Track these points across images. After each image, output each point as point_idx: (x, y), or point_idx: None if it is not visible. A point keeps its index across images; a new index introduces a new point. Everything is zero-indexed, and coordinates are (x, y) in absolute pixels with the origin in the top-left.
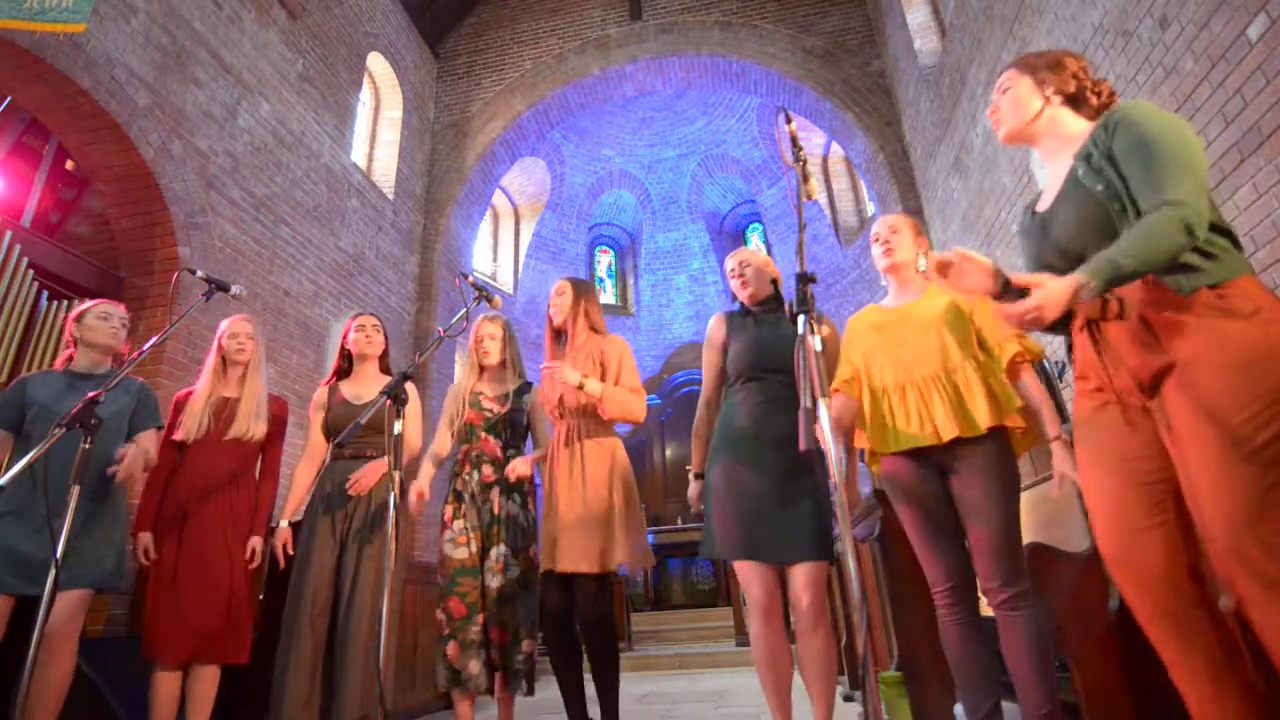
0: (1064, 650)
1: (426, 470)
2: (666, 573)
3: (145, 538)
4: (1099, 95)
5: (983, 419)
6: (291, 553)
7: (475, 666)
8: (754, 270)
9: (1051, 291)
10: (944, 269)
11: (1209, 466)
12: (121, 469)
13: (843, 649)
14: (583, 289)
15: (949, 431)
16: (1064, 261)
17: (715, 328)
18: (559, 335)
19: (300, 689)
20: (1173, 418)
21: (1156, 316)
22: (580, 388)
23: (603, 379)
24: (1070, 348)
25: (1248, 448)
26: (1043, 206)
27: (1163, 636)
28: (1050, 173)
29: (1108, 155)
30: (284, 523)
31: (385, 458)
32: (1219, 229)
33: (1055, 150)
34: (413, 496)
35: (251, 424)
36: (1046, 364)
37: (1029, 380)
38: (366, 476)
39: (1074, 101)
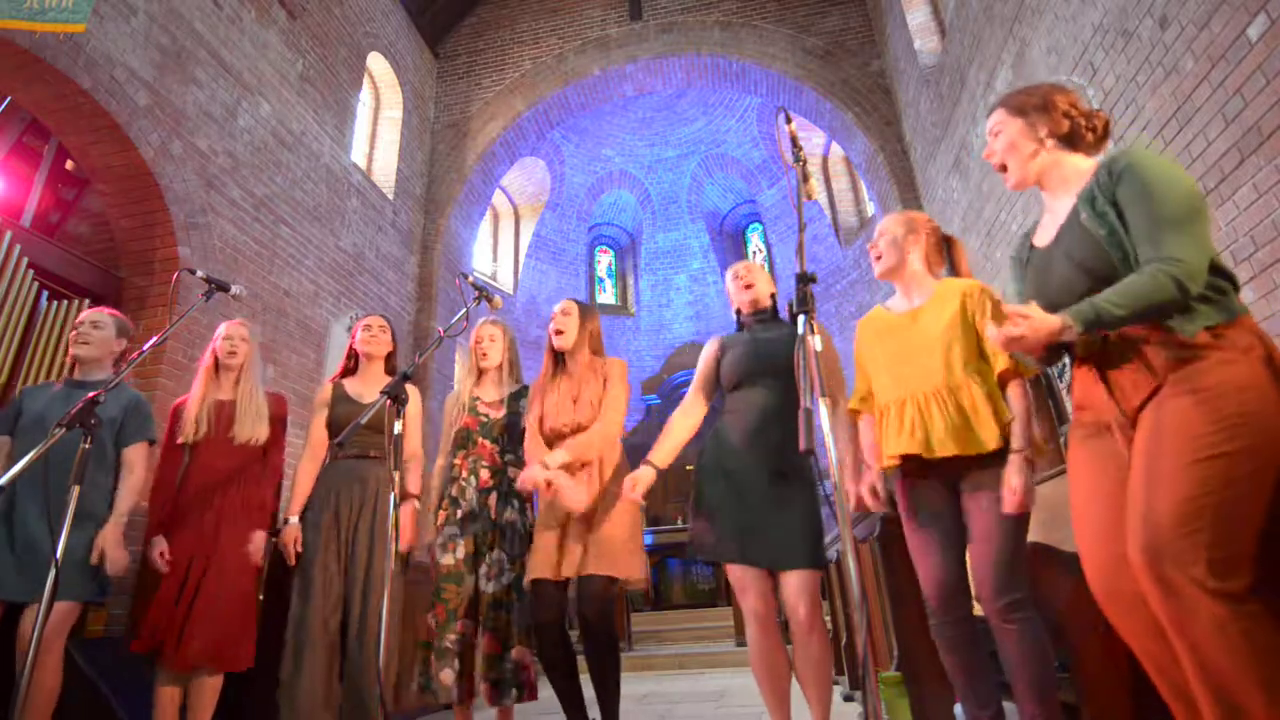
0: (1064, 650)
1: (434, 493)
2: (666, 573)
3: (160, 542)
4: (1094, 130)
5: (990, 440)
6: (300, 550)
7: (448, 676)
8: (761, 276)
9: (1037, 324)
10: (1010, 344)
11: (1150, 473)
12: (109, 565)
13: (843, 649)
14: (587, 313)
15: (944, 449)
16: (1064, 298)
17: (710, 345)
18: (557, 356)
19: (315, 690)
20: (1139, 428)
21: (1156, 354)
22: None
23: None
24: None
25: (1190, 458)
26: (1042, 241)
27: (1153, 663)
28: (1050, 208)
29: (1112, 201)
30: (292, 519)
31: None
32: (1220, 271)
33: (1056, 188)
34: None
35: (253, 427)
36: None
37: (1014, 393)
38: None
39: (1069, 140)
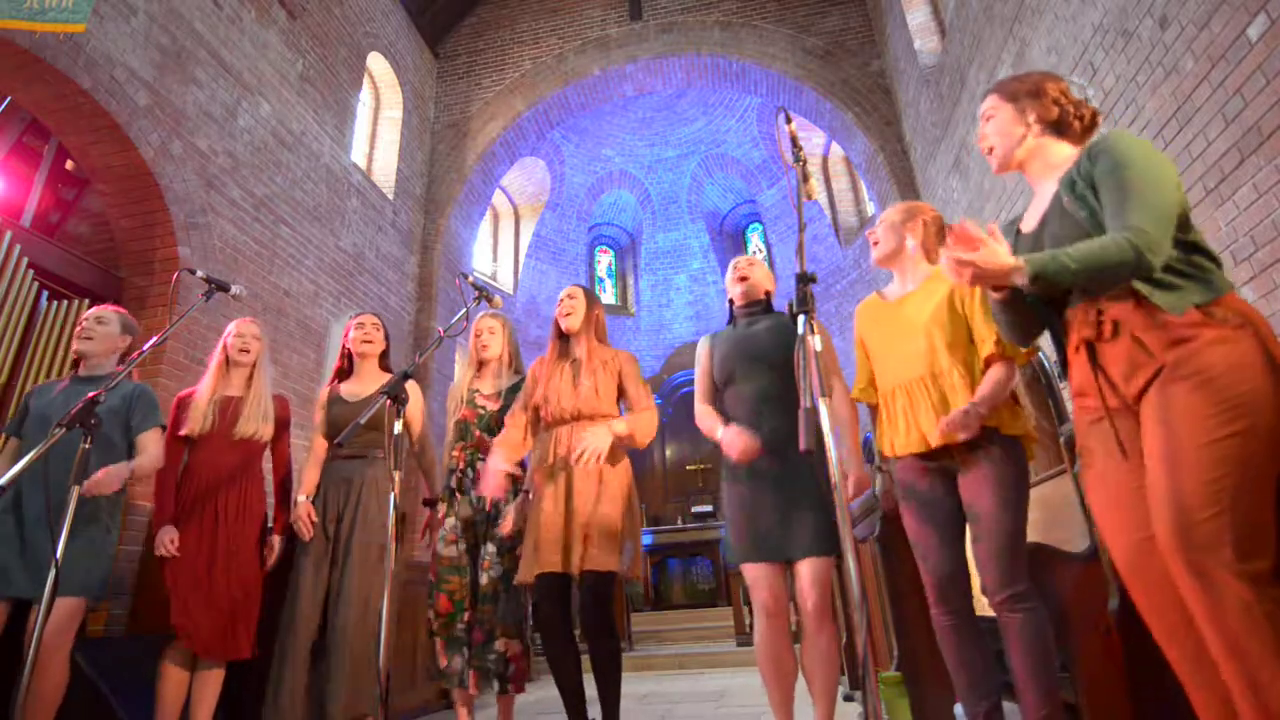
0: (1064, 650)
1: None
2: (666, 573)
3: (169, 530)
4: (1081, 119)
5: None
6: (316, 519)
7: (459, 663)
8: (760, 270)
9: (990, 255)
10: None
11: (1169, 459)
12: (90, 482)
13: (843, 649)
14: (592, 298)
15: (936, 439)
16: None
17: (702, 347)
18: (563, 339)
19: (295, 685)
20: (1144, 415)
21: (1149, 336)
22: (614, 437)
23: (620, 396)
24: (1064, 364)
25: (1202, 440)
26: (1029, 226)
27: (1173, 645)
28: (1036, 195)
29: (1091, 184)
30: (302, 497)
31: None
32: (1201, 250)
33: (1040, 174)
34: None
35: (259, 425)
36: (1046, 363)
37: (994, 369)
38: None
39: (1057, 127)
